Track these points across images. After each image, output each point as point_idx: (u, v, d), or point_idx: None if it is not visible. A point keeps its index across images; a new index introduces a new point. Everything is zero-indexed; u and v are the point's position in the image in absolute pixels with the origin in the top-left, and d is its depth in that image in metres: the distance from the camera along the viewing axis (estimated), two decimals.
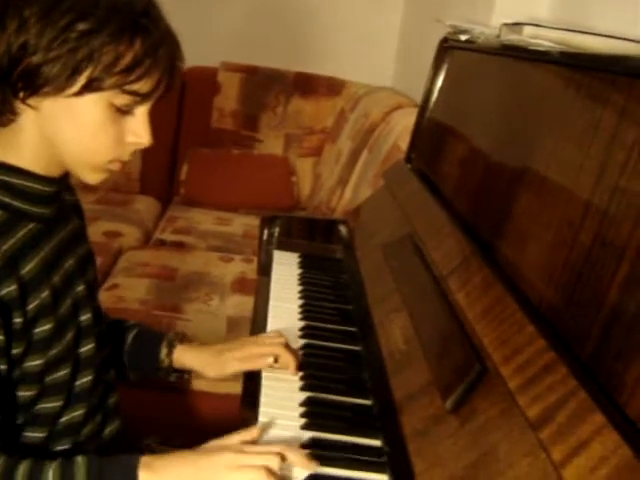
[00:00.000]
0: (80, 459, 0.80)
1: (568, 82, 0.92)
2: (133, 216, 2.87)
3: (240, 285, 2.24)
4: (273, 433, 0.93)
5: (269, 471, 0.80)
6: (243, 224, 2.87)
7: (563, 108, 0.92)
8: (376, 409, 1.01)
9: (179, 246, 2.66)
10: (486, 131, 1.23)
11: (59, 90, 0.80)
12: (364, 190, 2.22)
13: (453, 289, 0.98)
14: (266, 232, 1.72)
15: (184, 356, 1.14)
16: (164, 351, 1.13)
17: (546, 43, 1.08)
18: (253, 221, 2.62)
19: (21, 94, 0.81)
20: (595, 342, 0.70)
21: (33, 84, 0.80)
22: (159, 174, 3.20)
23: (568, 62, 0.94)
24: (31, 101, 0.82)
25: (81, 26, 0.78)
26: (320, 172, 3.06)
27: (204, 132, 3.18)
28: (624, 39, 1.09)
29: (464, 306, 0.92)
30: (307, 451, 0.87)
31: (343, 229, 1.73)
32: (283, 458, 0.83)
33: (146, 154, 3.11)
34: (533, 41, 1.10)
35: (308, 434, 0.93)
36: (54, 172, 0.89)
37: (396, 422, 0.88)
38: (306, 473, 0.85)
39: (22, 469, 0.78)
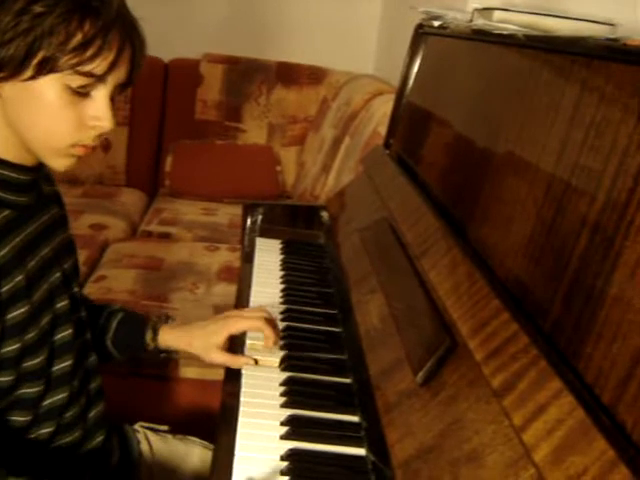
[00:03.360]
0: None
1: (532, 64, 0.95)
2: (119, 208, 2.89)
3: (226, 274, 2.27)
4: (253, 412, 0.96)
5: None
6: (228, 214, 2.89)
7: (526, 89, 0.94)
8: (355, 387, 1.04)
9: (165, 237, 2.67)
10: (459, 115, 1.25)
11: (15, 74, 0.82)
12: (346, 176, 2.25)
13: (426, 268, 1.00)
14: (249, 220, 1.75)
15: (169, 337, 1.16)
16: (149, 335, 1.16)
17: (513, 27, 1.11)
18: (238, 211, 2.61)
19: None
20: (556, 313, 0.72)
21: None
22: (144, 166, 3.21)
23: (532, 45, 0.96)
24: None
25: (34, 9, 0.80)
26: (304, 160, 3.08)
27: (188, 124, 3.19)
28: (590, 21, 1.12)
29: (435, 284, 0.94)
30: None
31: (324, 215, 1.76)
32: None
33: (131, 146, 3.14)
34: (501, 25, 1.13)
35: (288, 412, 0.96)
36: (28, 160, 0.91)
37: (372, 397, 0.91)
38: None
39: None
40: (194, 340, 1.15)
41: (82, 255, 2.12)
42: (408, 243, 1.12)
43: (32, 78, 0.83)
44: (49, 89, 0.84)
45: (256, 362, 1.09)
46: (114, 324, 1.19)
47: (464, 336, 0.80)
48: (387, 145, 1.70)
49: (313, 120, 3.15)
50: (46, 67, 0.82)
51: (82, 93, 0.86)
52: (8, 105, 0.86)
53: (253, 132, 3.23)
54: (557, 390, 0.61)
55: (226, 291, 2.13)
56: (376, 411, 0.88)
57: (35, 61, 0.82)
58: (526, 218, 0.85)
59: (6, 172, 0.89)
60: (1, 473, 0.79)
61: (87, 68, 0.84)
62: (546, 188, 0.82)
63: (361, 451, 0.89)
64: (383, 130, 1.83)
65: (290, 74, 3.21)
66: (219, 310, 2.03)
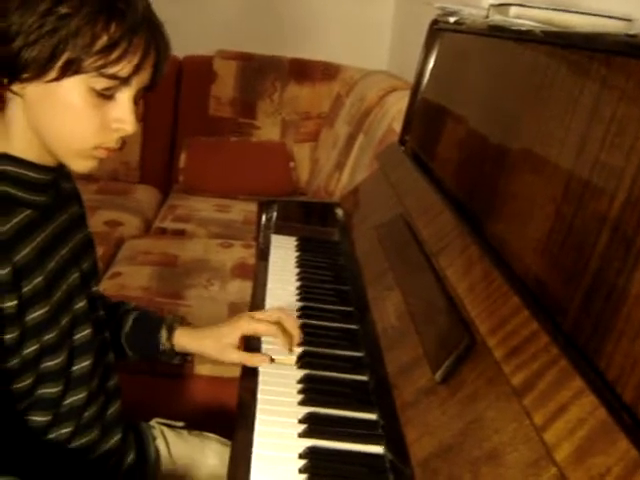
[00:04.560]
0: None
1: (549, 60, 0.94)
2: (133, 205, 2.90)
3: (240, 270, 2.27)
4: (271, 410, 0.96)
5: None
6: (242, 210, 2.89)
7: (544, 86, 0.94)
8: (372, 384, 1.04)
9: (180, 234, 2.68)
10: (475, 111, 1.25)
11: (39, 75, 0.82)
12: (360, 173, 2.25)
13: (443, 266, 1.00)
14: (264, 217, 1.75)
15: (184, 340, 1.17)
16: (164, 335, 1.16)
17: (530, 23, 1.10)
18: (252, 207, 2.63)
19: (5, 80, 0.83)
20: (576, 311, 0.72)
21: (14, 69, 0.82)
22: (158, 163, 3.22)
23: (549, 41, 0.96)
24: (15, 87, 0.84)
25: (59, 10, 0.80)
26: (318, 157, 3.08)
27: (202, 120, 3.20)
28: (607, 17, 1.11)
29: (453, 282, 0.94)
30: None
31: (339, 212, 1.76)
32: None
33: (145, 143, 3.15)
34: (517, 21, 1.12)
35: (306, 409, 0.96)
36: (48, 161, 0.92)
37: (390, 395, 0.91)
38: None
39: None
40: (208, 341, 1.15)
41: (98, 251, 2.12)
42: (424, 240, 1.12)
43: (56, 79, 0.83)
44: (73, 91, 0.84)
45: (272, 360, 1.09)
46: (129, 322, 1.19)
47: (483, 334, 0.80)
48: (402, 141, 1.70)
49: (327, 116, 3.15)
50: (71, 69, 0.82)
51: (106, 95, 0.86)
52: (31, 107, 0.86)
53: (267, 129, 3.23)
54: (578, 389, 0.61)
55: (241, 288, 2.13)
56: (394, 409, 0.88)
57: (60, 63, 0.82)
58: (544, 215, 0.84)
59: (27, 172, 0.89)
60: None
61: (112, 70, 0.84)
62: (565, 185, 0.82)
63: (379, 449, 0.89)
64: (398, 126, 1.82)
65: (303, 70, 3.21)
66: (234, 307, 2.04)
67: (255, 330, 1.13)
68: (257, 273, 1.49)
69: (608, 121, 0.76)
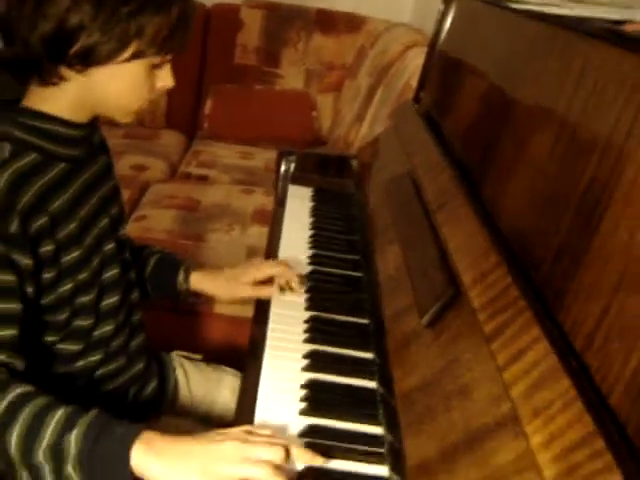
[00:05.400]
0: (90, 412, 0.83)
1: (546, 35, 1.01)
2: (159, 150, 3.00)
3: (260, 216, 2.37)
4: (278, 346, 1.07)
5: (274, 466, 0.79)
6: (264, 158, 2.98)
7: (541, 57, 1.01)
8: (371, 327, 1.14)
9: (203, 179, 2.78)
10: (484, 73, 1.32)
11: (108, 60, 0.93)
12: (379, 126, 2.31)
13: (440, 222, 1.09)
14: (282, 167, 1.84)
15: (199, 281, 1.29)
16: (181, 276, 1.28)
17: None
18: (274, 155, 2.71)
19: (78, 67, 0.93)
20: (546, 269, 0.81)
21: (88, 59, 0.92)
22: (184, 109, 3.31)
23: (547, 19, 1.03)
24: (80, 68, 0.95)
25: (128, 6, 0.90)
26: (340, 107, 3.15)
27: (228, 68, 3.28)
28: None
29: (447, 237, 1.03)
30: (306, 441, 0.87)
31: (355, 164, 1.84)
32: (287, 452, 0.81)
33: (172, 90, 3.21)
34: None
35: (310, 347, 1.07)
36: (83, 118, 1.02)
37: (385, 337, 1.02)
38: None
39: (32, 405, 0.83)
40: (221, 281, 1.28)
41: (124, 195, 2.22)
42: (427, 197, 1.21)
43: (124, 62, 0.94)
44: (136, 69, 0.96)
45: (282, 289, 1.22)
46: (151, 263, 1.31)
47: (466, 286, 0.89)
48: (417, 99, 1.77)
49: (350, 67, 3.20)
50: (137, 57, 0.94)
51: (159, 65, 0.99)
52: (92, 82, 0.96)
53: (291, 78, 3.30)
54: (536, 337, 0.71)
55: (260, 233, 2.23)
56: (387, 349, 0.98)
57: (127, 54, 0.93)
58: (527, 177, 0.93)
59: (61, 129, 0.99)
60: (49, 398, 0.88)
61: (169, 49, 0.97)
62: (548, 150, 0.89)
63: (372, 384, 1.00)
64: (415, 83, 1.88)
65: (329, 21, 3.26)
66: (252, 250, 2.14)
67: (264, 271, 1.26)
68: (273, 221, 1.60)
69: (590, 91, 0.83)
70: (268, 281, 1.26)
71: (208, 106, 3.19)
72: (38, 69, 0.93)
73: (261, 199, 2.53)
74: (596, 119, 0.80)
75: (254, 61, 3.29)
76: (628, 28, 0.80)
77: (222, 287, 1.28)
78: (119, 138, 2.97)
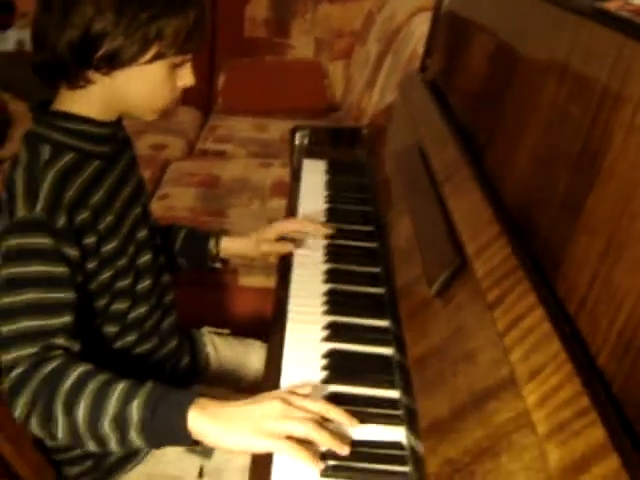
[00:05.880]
0: (147, 384, 0.91)
1: (537, 11, 1.05)
2: (176, 128, 3.06)
3: (279, 189, 2.43)
4: (299, 318, 1.14)
5: (317, 421, 0.87)
6: (279, 129, 3.03)
7: (534, 32, 1.05)
8: (386, 296, 1.21)
9: (221, 154, 2.84)
10: (484, 44, 1.35)
11: (131, 63, 0.99)
12: (390, 93, 2.34)
13: (447, 194, 1.14)
14: (296, 141, 1.90)
15: (228, 245, 1.40)
16: (212, 242, 1.39)
17: None
18: (289, 126, 2.75)
19: (103, 70, 0.99)
20: (543, 237, 0.87)
21: (112, 62, 0.98)
22: (198, 85, 3.26)
23: None
24: (105, 71, 1.01)
25: (148, 12, 0.96)
26: (351, 74, 3.18)
27: (238, 42, 3.32)
28: None
29: (453, 209, 1.09)
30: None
31: (366, 134, 1.89)
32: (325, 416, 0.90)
33: None
34: None
35: (329, 318, 1.14)
36: (111, 117, 1.09)
37: (398, 306, 1.08)
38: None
39: (95, 382, 0.90)
40: (245, 241, 1.40)
41: (146, 174, 2.30)
42: (434, 169, 1.26)
43: (145, 64, 1.00)
44: (158, 70, 1.02)
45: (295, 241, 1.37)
46: (181, 236, 1.40)
47: (470, 256, 0.95)
48: (423, 67, 1.80)
49: (359, 33, 3.22)
50: (159, 58, 1.00)
51: (180, 64, 1.05)
52: (117, 83, 1.02)
53: (301, 47, 3.33)
54: (533, 304, 0.77)
55: (279, 205, 2.28)
56: (400, 317, 1.05)
57: (148, 56, 0.99)
58: (526, 148, 0.98)
59: (92, 128, 1.06)
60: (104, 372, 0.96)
61: (187, 49, 1.03)
62: (545, 120, 0.94)
63: (389, 351, 1.07)
64: (421, 50, 1.91)
65: None
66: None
67: (286, 226, 1.39)
68: (290, 195, 1.66)
69: (580, 64, 0.87)
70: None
71: (221, 81, 3.24)
72: (66, 73, 1.00)
73: (279, 171, 2.59)
74: (585, 83, 0.85)
75: (264, 33, 3.33)
76: (607, 5, 0.84)
77: (249, 245, 1.39)
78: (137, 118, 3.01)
